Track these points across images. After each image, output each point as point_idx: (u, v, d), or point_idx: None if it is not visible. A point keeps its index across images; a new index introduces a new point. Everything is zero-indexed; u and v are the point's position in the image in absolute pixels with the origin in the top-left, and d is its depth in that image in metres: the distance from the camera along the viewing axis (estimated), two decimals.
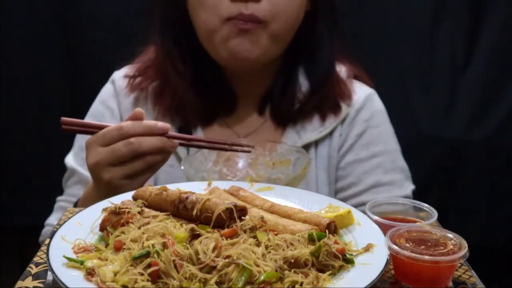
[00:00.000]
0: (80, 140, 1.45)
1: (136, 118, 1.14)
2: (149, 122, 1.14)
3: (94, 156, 1.13)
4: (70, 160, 1.45)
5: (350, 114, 1.44)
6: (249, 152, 1.26)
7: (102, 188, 1.15)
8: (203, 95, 1.42)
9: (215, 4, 1.29)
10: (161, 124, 1.14)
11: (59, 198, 1.47)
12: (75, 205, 1.29)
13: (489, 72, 2.06)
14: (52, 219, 1.44)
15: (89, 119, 1.46)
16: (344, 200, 1.39)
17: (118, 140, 1.11)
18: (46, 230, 1.44)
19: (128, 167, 1.12)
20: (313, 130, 1.42)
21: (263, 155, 1.32)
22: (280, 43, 1.36)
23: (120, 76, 1.50)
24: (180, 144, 1.19)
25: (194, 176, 1.21)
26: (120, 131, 1.11)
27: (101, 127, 1.15)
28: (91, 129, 1.17)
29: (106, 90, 1.50)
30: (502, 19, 2.02)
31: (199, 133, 1.44)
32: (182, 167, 1.25)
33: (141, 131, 1.12)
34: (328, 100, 1.43)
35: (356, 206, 1.35)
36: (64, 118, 1.16)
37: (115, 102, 1.47)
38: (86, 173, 1.35)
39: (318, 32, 1.42)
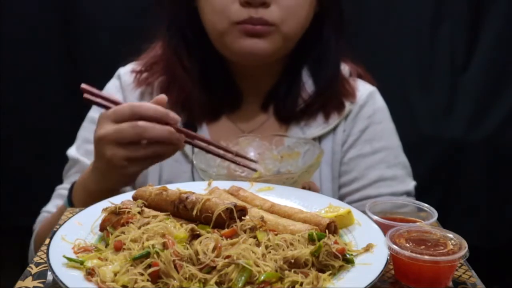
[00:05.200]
0: (83, 133, 1.45)
1: (158, 103, 1.13)
2: (162, 109, 1.13)
3: (102, 130, 1.12)
4: (72, 151, 1.45)
5: (353, 110, 1.46)
6: (254, 170, 1.26)
7: (102, 164, 1.15)
8: (209, 91, 1.43)
9: (224, 7, 1.30)
10: (173, 114, 1.14)
11: (58, 186, 1.46)
12: (71, 187, 1.28)
13: (489, 72, 2.06)
14: (49, 207, 1.44)
15: (93, 112, 1.47)
16: (347, 194, 1.42)
17: (128, 118, 1.11)
18: (42, 216, 1.43)
19: (131, 150, 1.12)
20: (317, 126, 1.44)
21: (270, 149, 1.33)
22: (290, 43, 1.38)
23: (126, 71, 1.51)
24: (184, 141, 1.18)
25: (205, 170, 1.21)
26: (131, 110, 1.11)
27: (117, 103, 1.16)
28: (109, 103, 1.17)
29: (112, 85, 1.51)
30: (502, 19, 2.02)
31: (204, 129, 1.45)
32: (194, 162, 1.26)
33: (151, 114, 1.11)
34: (333, 99, 1.44)
35: (359, 200, 1.39)
36: (84, 86, 1.16)
37: (121, 96, 1.47)
38: (88, 162, 1.34)
39: (325, 34, 1.44)
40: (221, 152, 1.24)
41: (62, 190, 1.44)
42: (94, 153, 1.18)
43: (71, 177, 1.43)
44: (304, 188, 1.17)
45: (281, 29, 1.31)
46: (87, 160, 1.37)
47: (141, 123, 1.10)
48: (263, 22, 1.29)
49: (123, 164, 1.13)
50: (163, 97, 1.15)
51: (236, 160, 1.24)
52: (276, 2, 1.29)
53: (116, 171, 1.13)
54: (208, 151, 1.24)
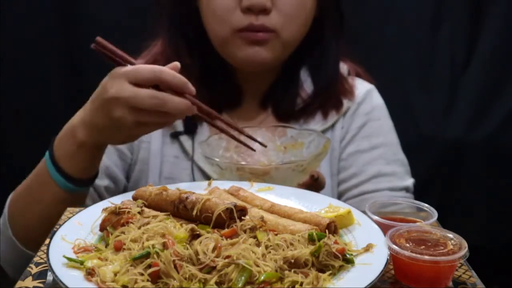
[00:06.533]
0: None
1: (173, 69, 1.10)
2: (183, 78, 1.09)
3: (118, 90, 1.06)
4: None
5: (352, 107, 1.47)
6: (264, 146, 1.26)
7: (106, 122, 1.10)
8: (209, 89, 1.44)
9: (226, 15, 1.31)
10: (191, 85, 1.10)
11: None
12: (53, 139, 1.24)
13: (489, 72, 2.06)
14: None
15: None
16: (346, 190, 1.42)
17: (148, 82, 1.06)
18: None
19: (144, 116, 1.07)
20: (315, 123, 1.45)
21: (273, 140, 1.34)
22: (290, 49, 1.40)
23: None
24: (200, 118, 1.17)
25: (210, 158, 1.21)
26: (153, 74, 1.06)
27: (131, 63, 1.11)
28: (120, 60, 1.12)
29: None
30: (502, 19, 2.02)
31: (204, 127, 1.45)
32: (199, 150, 1.26)
33: (175, 83, 1.07)
34: (331, 99, 1.46)
35: (358, 196, 1.39)
36: (99, 39, 1.13)
37: None
38: None
39: (325, 36, 1.45)
40: (236, 135, 1.22)
41: None
42: (97, 110, 1.11)
43: None
44: (312, 176, 1.16)
45: (281, 35, 1.33)
46: None
47: (161, 95, 1.06)
48: (264, 28, 1.31)
49: (130, 127, 1.09)
50: (176, 64, 1.11)
51: (244, 140, 1.22)
52: (277, 8, 1.31)
53: (119, 131, 1.10)
54: (227, 134, 1.22)
